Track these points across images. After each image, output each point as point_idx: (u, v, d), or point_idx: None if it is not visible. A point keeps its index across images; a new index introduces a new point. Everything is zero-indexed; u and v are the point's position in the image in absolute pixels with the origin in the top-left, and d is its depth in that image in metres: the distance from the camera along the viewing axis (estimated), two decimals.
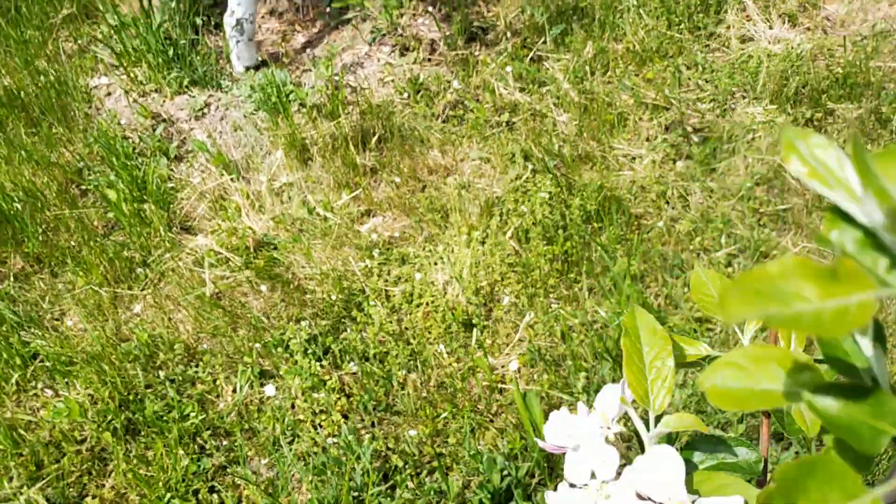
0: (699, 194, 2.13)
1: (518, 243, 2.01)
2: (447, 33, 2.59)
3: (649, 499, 0.51)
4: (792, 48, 2.48)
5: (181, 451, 1.68)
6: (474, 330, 1.86)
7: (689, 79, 2.47)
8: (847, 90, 2.31)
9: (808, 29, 2.59)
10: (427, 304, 1.91)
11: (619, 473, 0.53)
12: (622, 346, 0.59)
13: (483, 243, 2.02)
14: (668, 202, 2.12)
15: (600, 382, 1.74)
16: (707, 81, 2.45)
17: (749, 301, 0.29)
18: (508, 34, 2.63)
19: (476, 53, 2.58)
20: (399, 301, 1.93)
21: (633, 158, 2.24)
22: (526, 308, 1.89)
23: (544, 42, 2.59)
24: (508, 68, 2.49)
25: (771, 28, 2.61)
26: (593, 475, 0.54)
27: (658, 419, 0.56)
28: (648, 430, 0.56)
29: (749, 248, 1.98)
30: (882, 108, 2.22)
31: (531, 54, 2.56)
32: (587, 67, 2.48)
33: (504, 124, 2.35)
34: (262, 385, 1.81)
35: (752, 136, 2.27)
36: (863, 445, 0.33)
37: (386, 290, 1.96)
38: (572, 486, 0.55)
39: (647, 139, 2.30)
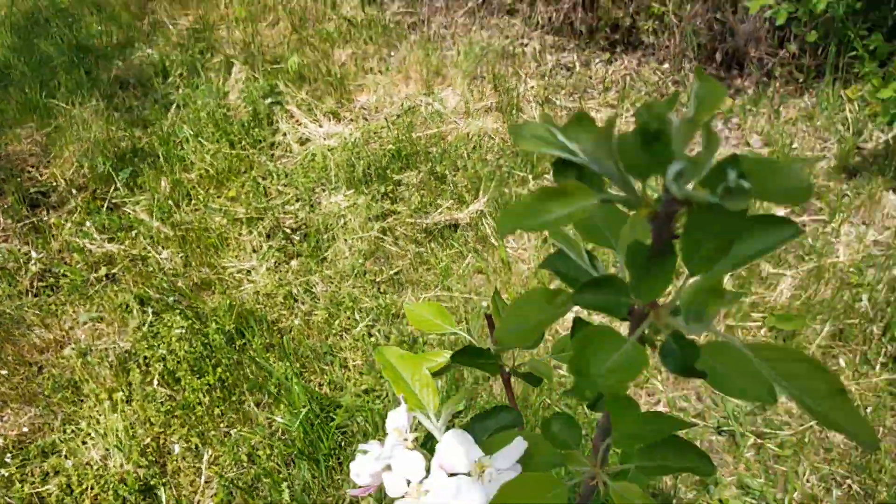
0: (321, 284, 2.25)
1: (168, 388, 1.90)
2: (5, 206, 2.37)
3: (457, 473, 0.58)
4: (345, 139, 2.77)
5: None
6: (155, 493, 1.71)
7: (270, 187, 2.60)
8: (404, 161, 2.65)
9: (352, 120, 2.92)
10: (91, 487, 1.70)
11: (428, 470, 0.60)
12: (386, 376, 0.66)
13: (129, 402, 1.87)
14: (296, 300, 2.20)
15: (302, 485, 1.72)
16: (286, 185, 2.61)
17: (515, 219, 0.41)
18: (74, 191, 2.50)
19: (46, 218, 2.40)
20: (58, 497, 1.68)
21: (249, 272, 2.28)
22: (202, 447, 1.79)
23: (116, 189, 2.51)
24: (88, 223, 2.36)
25: (321, 126, 2.88)
26: (409, 482, 0.59)
27: (437, 415, 0.65)
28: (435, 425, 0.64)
29: (382, 315, 2.14)
30: (436, 168, 2.59)
31: (106, 204, 2.47)
32: (170, 202, 2.47)
33: (105, 278, 2.22)
34: None
35: (344, 221, 2.47)
36: (616, 314, 0.46)
37: (37, 493, 1.70)
38: (395, 500, 0.59)
39: (255, 250, 2.36)
